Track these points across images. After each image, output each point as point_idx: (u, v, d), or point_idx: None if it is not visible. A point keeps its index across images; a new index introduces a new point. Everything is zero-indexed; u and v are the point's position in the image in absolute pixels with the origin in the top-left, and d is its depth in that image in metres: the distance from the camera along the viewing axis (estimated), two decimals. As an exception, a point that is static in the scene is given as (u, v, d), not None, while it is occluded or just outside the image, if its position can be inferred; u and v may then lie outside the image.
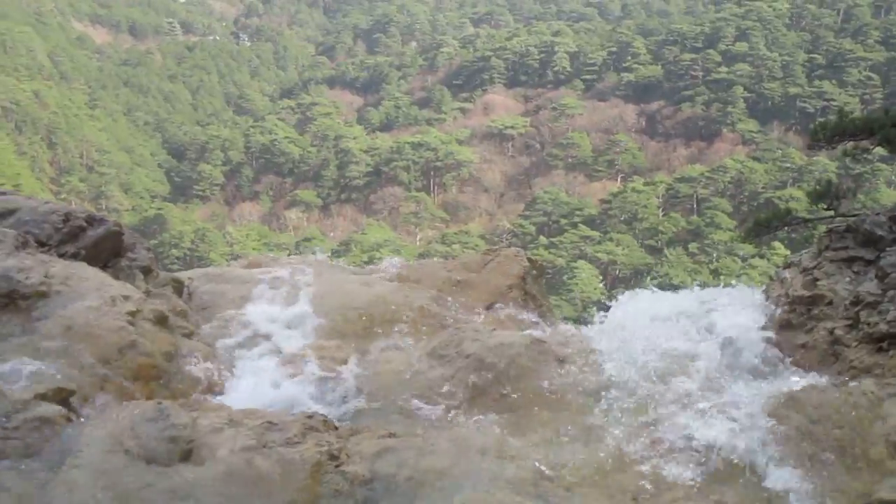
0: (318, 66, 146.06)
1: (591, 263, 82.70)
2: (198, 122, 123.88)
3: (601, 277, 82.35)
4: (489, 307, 9.83)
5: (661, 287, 51.99)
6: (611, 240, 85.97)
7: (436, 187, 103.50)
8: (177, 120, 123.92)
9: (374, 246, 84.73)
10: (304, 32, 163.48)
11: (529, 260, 11.00)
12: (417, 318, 8.99)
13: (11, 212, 8.07)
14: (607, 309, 9.31)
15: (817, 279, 8.70)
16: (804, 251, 9.85)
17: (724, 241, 79.84)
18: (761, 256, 73.17)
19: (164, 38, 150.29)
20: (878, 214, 9.08)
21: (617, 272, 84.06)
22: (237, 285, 9.60)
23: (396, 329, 8.70)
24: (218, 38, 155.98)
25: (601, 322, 9.11)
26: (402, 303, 9.29)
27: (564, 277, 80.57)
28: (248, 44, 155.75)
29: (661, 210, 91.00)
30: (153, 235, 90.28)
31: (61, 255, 7.90)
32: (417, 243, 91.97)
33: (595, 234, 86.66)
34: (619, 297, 9.60)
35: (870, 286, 8.18)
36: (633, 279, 79.86)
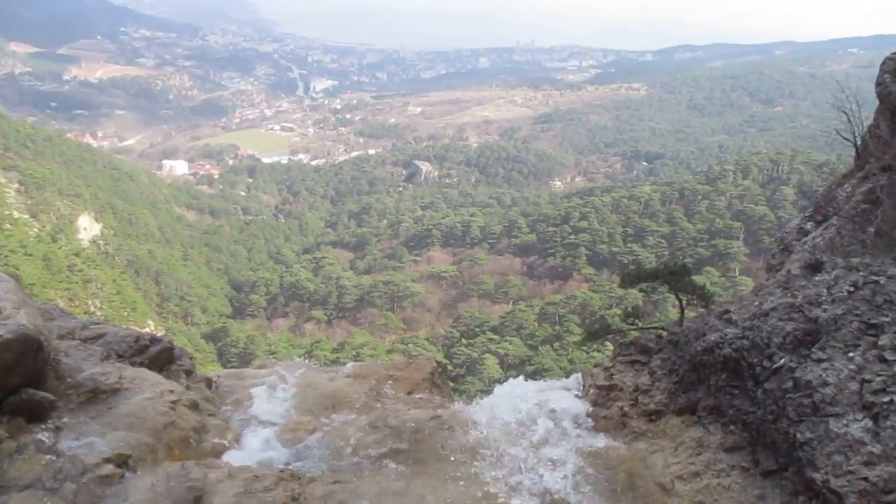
0: (326, 234, 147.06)
1: (494, 356, 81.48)
2: (250, 269, 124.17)
3: (500, 364, 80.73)
4: (410, 393, 9.49)
5: (535, 371, 59.10)
6: (506, 341, 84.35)
7: (398, 308, 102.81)
8: (237, 268, 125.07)
9: (359, 346, 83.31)
10: (318, 214, 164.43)
11: (437, 362, 10.61)
12: (362, 401, 8.68)
13: (101, 335, 7.83)
14: (490, 392, 9.23)
15: (613, 374, 8.53)
16: (607, 356, 9.56)
17: (575, 342, 76.73)
18: (598, 351, 66.80)
19: (230, 217, 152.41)
20: (648, 334, 9.11)
21: (510, 360, 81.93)
22: (248, 381, 9.22)
23: (348, 409, 8.33)
24: (264, 217, 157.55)
25: (480, 402, 8.86)
26: (353, 391, 8.94)
27: (477, 365, 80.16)
28: (283, 220, 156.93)
29: (536, 322, 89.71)
30: (220, 339, 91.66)
31: (132, 364, 7.64)
32: (386, 344, 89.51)
33: (496, 337, 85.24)
34: (496, 388, 9.42)
35: (644, 379, 8.12)
36: (519, 365, 78.02)
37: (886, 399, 5.52)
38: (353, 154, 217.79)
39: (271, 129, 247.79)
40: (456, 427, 7.70)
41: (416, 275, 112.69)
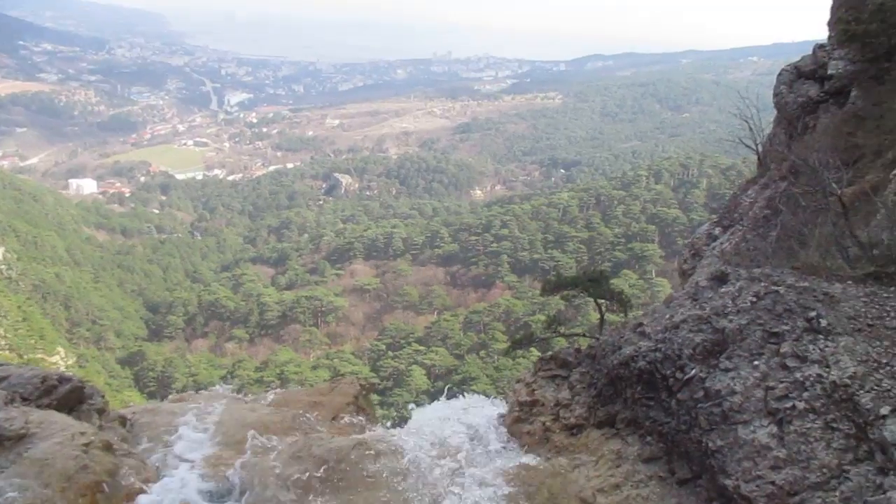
0: (245, 250, 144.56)
1: (421, 367, 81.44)
2: (166, 289, 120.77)
3: (427, 375, 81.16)
4: (334, 418, 9.28)
5: (462, 381, 59.46)
6: (432, 351, 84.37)
7: (322, 323, 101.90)
8: (152, 288, 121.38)
9: (283, 363, 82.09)
10: (236, 230, 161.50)
11: (361, 385, 10.37)
12: (285, 431, 8.45)
13: (3, 378, 7.44)
14: (420, 404, 9.10)
15: (534, 389, 8.51)
16: (527, 370, 9.38)
17: (500, 349, 76.64)
18: (524, 357, 67.13)
19: (144, 236, 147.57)
20: (567, 348, 8.96)
21: (436, 371, 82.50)
22: (165, 415, 8.85)
23: (270, 440, 8.02)
24: (180, 235, 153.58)
25: (405, 425, 8.84)
26: (276, 421, 8.71)
27: (404, 377, 79.89)
28: (200, 238, 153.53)
29: (461, 331, 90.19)
30: (137, 364, 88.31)
31: (39, 406, 7.27)
32: (311, 360, 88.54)
33: (422, 348, 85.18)
34: (417, 411, 9.35)
35: (565, 393, 8.13)
36: (446, 375, 79.30)
37: (789, 405, 5.80)
38: (271, 168, 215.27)
39: (184, 144, 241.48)
40: (381, 452, 7.60)
41: (340, 289, 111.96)
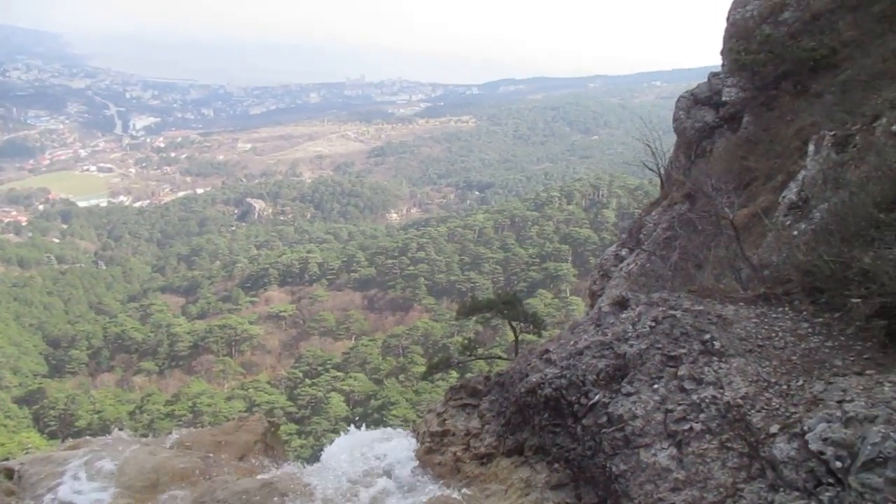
0: (154, 279, 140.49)
1: (340, 393, 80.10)
2: (68, 322, 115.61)
3: (346, 401, 79.98)
4: (242, 458, 9.04)
5: (382, 406, 58.96)
6: (351, 377, 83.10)
7: (236, 353, 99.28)
8: (53, 322, 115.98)
9: (196, 395, 79.43)
10: (144, 258, 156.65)
11: (269, 422, 10.11)
12: (187, 475, 7.99)
13: None
14: (337, 432, 8.81)
15: (445, 419, 8.49)
16: (438, 400, 9.33)
17: (420, 373, 72.61)
18: (443, 380, 66.75)
19: (43, 267, 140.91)
20: (477, 376, 8.86)
21: (356, 397, 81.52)
22: (56, 466, 8.27)
23: (173, 485, 7.69)
24: (83, 265, 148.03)
25: (315, 462, 8.65)
26: (179, 464, 8.23)
27: (322, 404, 78.43)
28: (104, 267, 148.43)
29: (380, 356, 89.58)
30: (36, 402, 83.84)
31: None
32: (225, 391, 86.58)
33: (341, 374, 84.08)
34: (326, 446, 9.20)
35: (475, 422, 8.13)
36: (366, 401, 79.10)
37: (687, 426, 5.99)
38: (181, 194, 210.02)
39: (87, 170, 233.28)
40: (289, 492, 7.37)
41: (254, 316, 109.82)
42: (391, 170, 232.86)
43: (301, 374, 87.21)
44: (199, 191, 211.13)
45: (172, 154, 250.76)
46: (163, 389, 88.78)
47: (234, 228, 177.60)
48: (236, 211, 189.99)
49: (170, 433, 9.98)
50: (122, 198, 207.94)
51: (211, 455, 8.83)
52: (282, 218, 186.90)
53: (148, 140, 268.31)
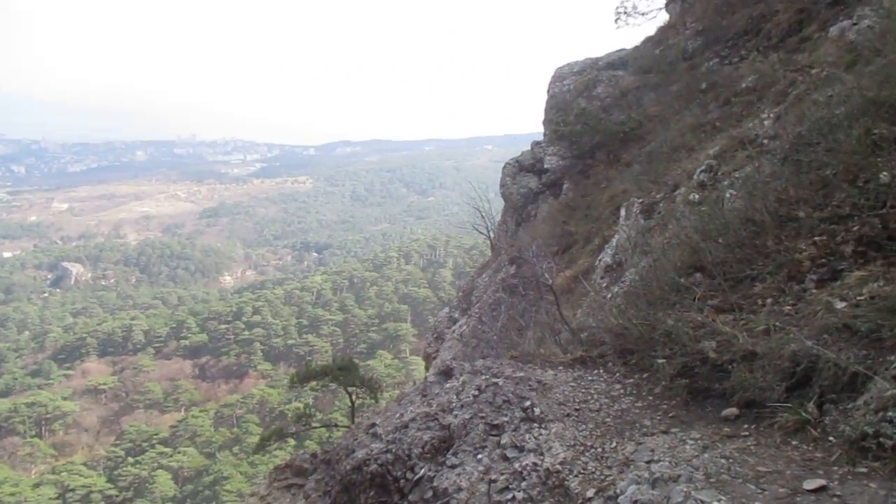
0: None
1: (167, 471, 76.23)
2: None
3: (174, 479, 76.17)
4: None
5: (214, 481, 55.28)
6: (180, 452, 79.49)
7: (47, 433, 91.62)
8: None
9: None
10: None
11: None
12: None
13: None
14: None
15: (269, 502, 8.02)
16: (263, 480, 8.79)
17: (255, 444, 74.71)
18: (281, 449, 64.23)
19: None
20: (303, 454, 8.46)
21: (185, 473, 77.90)
22: None
23: None
24: None
25: None
26: None
27: (147, 484, 74.15)
28: None
29: (212, 427, 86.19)
30: None
31: None
32: (33, 477, 79.44)
33: (168, 450, 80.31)
34: None
35: None
36: (196, 477, 76.07)
37: (510, 496, 5.95)
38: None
39: None
40: None
41: (69, 391, 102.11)
42: (224, 231, 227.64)
43: (123, 453, 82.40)
44: (7, 254, 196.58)
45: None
46: (-43, 479, 79.13)
47: (46, 295, 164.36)
48: (49, 276, 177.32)
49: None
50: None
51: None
52: (103, 283, 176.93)
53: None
